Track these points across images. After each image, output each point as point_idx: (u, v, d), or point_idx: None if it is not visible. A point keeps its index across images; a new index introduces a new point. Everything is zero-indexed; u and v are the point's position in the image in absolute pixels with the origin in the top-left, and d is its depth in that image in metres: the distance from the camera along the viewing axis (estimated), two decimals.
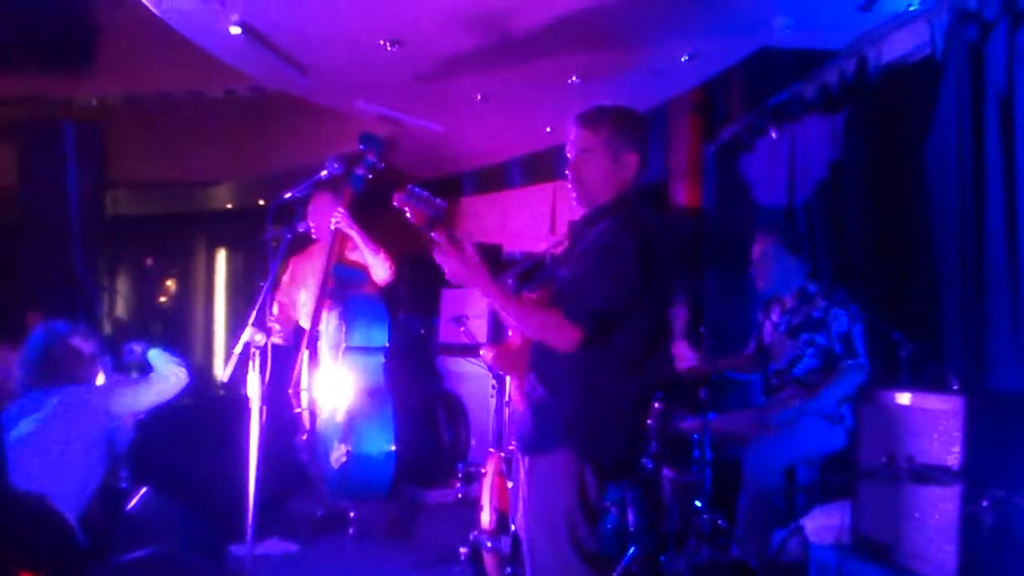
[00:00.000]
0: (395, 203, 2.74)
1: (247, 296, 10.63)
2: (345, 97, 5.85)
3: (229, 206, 10.58)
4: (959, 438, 2.61)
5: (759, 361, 4.44)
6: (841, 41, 4.73)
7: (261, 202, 10.31)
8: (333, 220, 4.63)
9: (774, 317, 4.40)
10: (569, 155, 2.82)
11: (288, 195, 3.36)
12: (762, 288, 4.42)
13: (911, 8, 4.17)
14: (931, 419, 2.76)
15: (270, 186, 9.74)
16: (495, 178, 8.67)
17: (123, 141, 7.76)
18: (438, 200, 2.74)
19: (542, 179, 8.07)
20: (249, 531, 3.13)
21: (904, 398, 2.91)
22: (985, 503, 2.54)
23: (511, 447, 4.29)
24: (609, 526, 4.04)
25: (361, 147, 4.01)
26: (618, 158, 2.76)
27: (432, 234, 2.75)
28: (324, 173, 3.44)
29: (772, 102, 5.45)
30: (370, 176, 4.15)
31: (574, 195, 2.84)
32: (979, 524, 2.54)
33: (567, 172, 2.83)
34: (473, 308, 6.81)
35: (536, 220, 7.98)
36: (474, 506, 5.90)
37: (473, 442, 6.82)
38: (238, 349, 3.08)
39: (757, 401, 4.56)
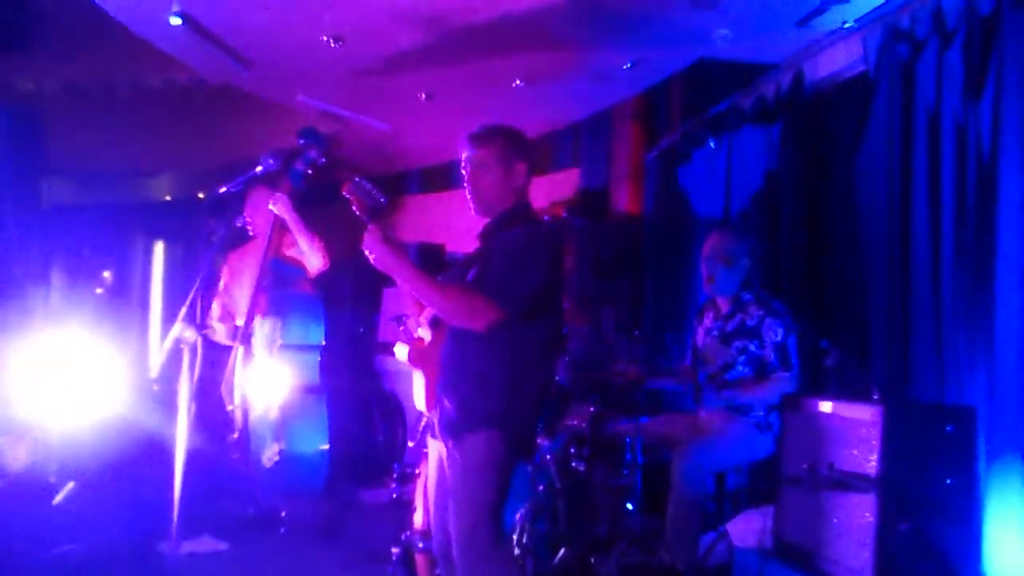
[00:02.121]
0: (343, 192, 2.95)
1: (185, 290, 10.47)
2: (288, 91, 5.81)
3: (168, 198, 10.43)
4: (877, 446, 2.68)
5: (694, 368, 4.49)
6: (779, 55, 4.82)
7: (201, 195, 10.19)
8: (271, 204, 4.55)
9: (707, 322, 4.46)
10: (465, 171, 3.07)
11: (222, 190, 3.32)
12: (707, 285, 4.45)
13: (846, 25, 4.26)
14: (851, 427, 2.83)
15: (211, 178, 9.62)
16: (441, 177, 8.67)
17: (61, 129, 7.60)
18: (381, 195, 2.96)
19: None
20: (175, 528, 3.08)
21: (826, 406, 2.98)
22: (900, 511, 2.60)
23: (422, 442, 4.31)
24: (540, 527, 4.07)
25: (301, 142, 3.99)
26: (510, 168, 3.01)
27: (370, 225, 2.94)
28: (259, 169, 3.41)
29: (710, 112, 5.54)
30: (310, 171, 4.12)
31: (474, 207, 3.08)
32: (894, 531, 2.61)
33: (466, 187, 3.06)
34: (412, 308, 6.81)
35: (481, 221, 7.99)
36: (409, 506, 5.90)
37: (411, 443, 6.81)
38: (167, 345, 3.04)
39: (688, 405, 4.62)
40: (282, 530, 5.00)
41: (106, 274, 11.07)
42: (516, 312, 2.83)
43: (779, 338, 4.13)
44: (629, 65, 5.03)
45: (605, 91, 5.63)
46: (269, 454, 4.83)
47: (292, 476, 4.91)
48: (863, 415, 2.79)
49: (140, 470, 5.47)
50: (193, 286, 3.11)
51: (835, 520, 2.84)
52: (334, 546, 5.19)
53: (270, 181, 4.44)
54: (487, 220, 3.10)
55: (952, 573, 2.68)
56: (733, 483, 4.34)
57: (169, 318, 11.34)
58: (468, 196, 3.07)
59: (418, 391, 3.21)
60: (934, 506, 2.66)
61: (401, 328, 6.70)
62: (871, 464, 2.71)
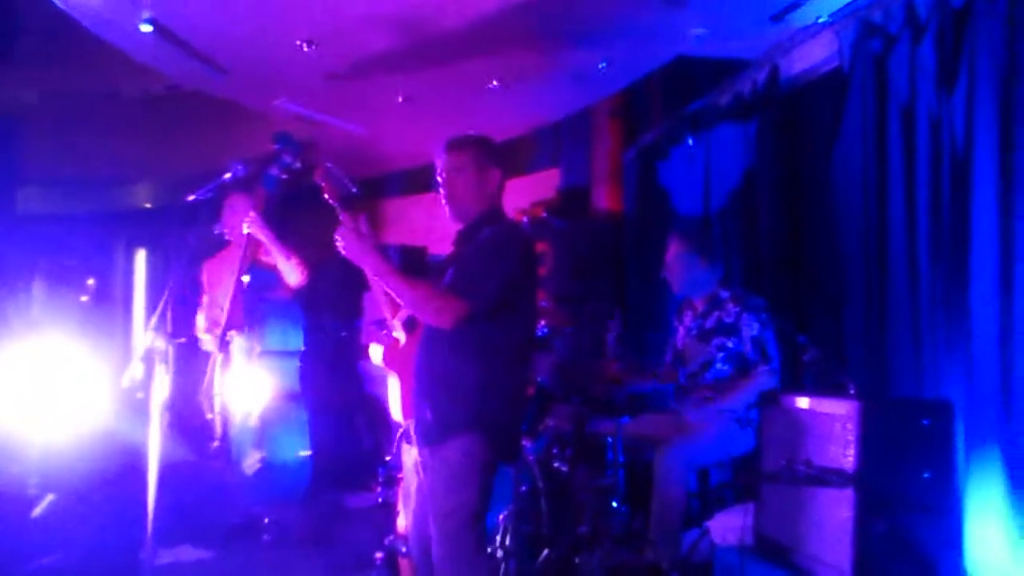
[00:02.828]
0: (315, 177, 3.09)
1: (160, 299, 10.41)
2: (263, 96, 5.78)
3: (148, 205, 10.38)
4: (854, 442, 2.68)
5: (675, 368, 4.50)
6: (755, 51, 4.82)
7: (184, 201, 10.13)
8: (244, 224, 4.55)
9: (687, 321, 4.47)
10: (440, 179, 3.13)
11: (191, 198, 3.30)
12: (676, 290, 4.48)
13: (820, 20, 4.26)
14: (828, 423, 2.83)
15: (190, 185, 9.56)
16: (420, 180, 8.62)
17: (38, 138, 7.56)
18: (352, 185, 3.11)
19: None
20: (150, 537, 3.06)
21: (803, 402, 2.97)
22: (878, 506, 2.60)
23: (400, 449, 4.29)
24: (523, 528, 4.05)
25: (276, 146, 3.96)
26: (483, 173, 3.07)
27: (341, 214, 3.09)
28: (228, 175, 3.39)
29: (688, 109, 5.54)
30: (284, 176, 4.09)
31: (449, 212, 3.13)
32: (873, 526, 2.61)
33: (441, 192, 3.12)
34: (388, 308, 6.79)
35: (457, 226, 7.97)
36: (394, 510, 5.88)
37: (387, 457, 6.78)
38: (139, 354, 3.02)
39: (670, 404, 4.62)
40: (266, 537, 4.97)
41: (90, 282, 11.01)
42: (481, 307, 2.86)
43: (755, 332, 4.14)
44: (604, 65, 5.02)
45: (583, 91, 5.63)
46: (250, 462, 4.80)
47: (274, 483, 4.88)
48: (839, 410, 2.78)
49: (122, 481, 5.42)
50: (163, 295, 3.09)
51: (814, 516, 2.83)
52: (319, 553, 5.16)
53: (247, 187, 4.42)
54: (462, 226, 3.13)
55: (932, 566, 2.68)
56: (716, 479, 4.34)
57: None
58: (443, 202, 3.11)
59: (393, 397, 3.20)
60: (912, 501, 2.66)
61: (384, 332, 6.71)
62: (848, 460, 2.71)
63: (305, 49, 4.72)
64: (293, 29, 4.54)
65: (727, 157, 5.14)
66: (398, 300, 3.05)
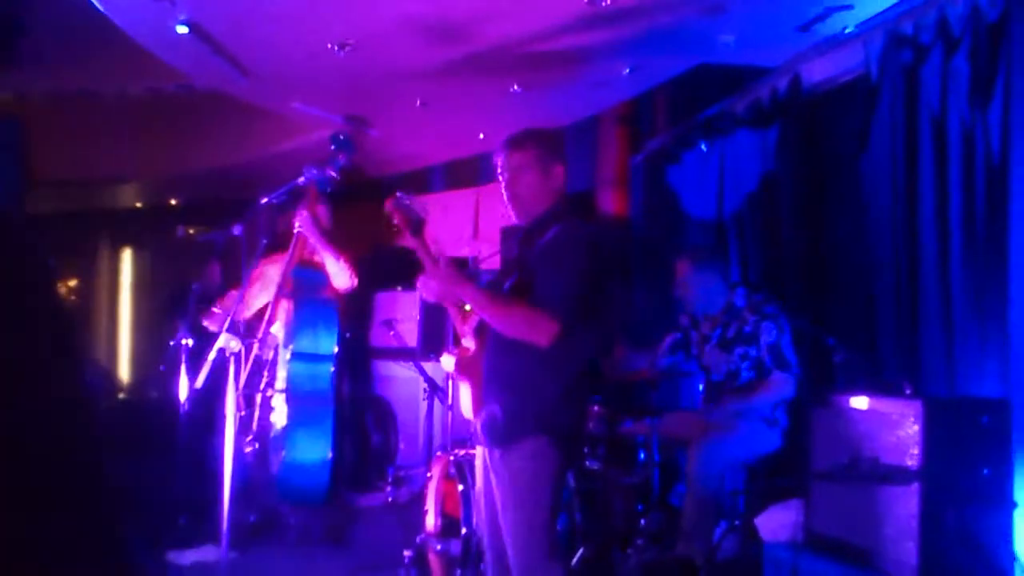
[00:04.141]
0: (386, 208, 3.03)
1: (154, 296, 10.35)
2: (283, 98, 5.78)
3: (138, 204, 10.29)
4: (918, 440, 2.77)
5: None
6: (776, 60, 4.91)
7: (173, 201, 10.06)
8: (296, 223, 4.53)
9: (705, 330, 4.55)
10: (502, 178, 3.06)
11: (264, 200, 3.31)
12: (691, 309, 4.59)
13: (847, 31, 4.36)
14: (888, 422, 2.92)
15: (181, 186, 9.52)
16: (416, 182, 8.66)
17: (37, 137, 7.47)
18: (421, 208, 3.03)
19: (465, 184, 8.13)
20: (224, 536, 3.08)
21: (860, 402, 3.06)
22: (943, 502, 2.70)
23: (460, 451, 4.33)
24: (559, 526, 4.11)
25: (332, 147, 3.94)
26: (547, 171, 3.01)
27: (410, 241, 3.01)
28: (302, 180, 3.40)
29: (703, 115, 5.62)
30: (337, 177, 4.06)
31: (513, 212, 3.07)
32: (939, 522, 2.71)
33: (504, 193, 3.07)
34: (402, 312, 6.82)
35: (459, 224, 8.03)
36: (405, 509, 5.92)
37: (402, 445, 6.82)
38: (212, 355, 3.03)
39: (697, 404, 4.72)
40: (292, 536, 4.99)
41: (73, 283, 10.90)
42: (571, 320, 2.80)
43: (772, 339, 4.25)
44: (628, 71, 5.09)
45: (600, 96, 5.71)
46: (276, 461, 4.81)
47: (298, 484, 4.89)
48: (901, 410, 2.87)
49: (122, 479, 5.38)
50: (233, 296, 3.10)
51: (875, 512, 2.92)
52: (340, 552, 5.20)
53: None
54: (525, 225, 3.07)
55: (990, 560, 2.79)
56: (744, 478, 4.44)
57: (138, 325, 11.17)
58: (506, 201, 3.06)
59: (465, 401, 3.20)
60: (973, 497, 2.76)
61: (392, 332, 6.74)
62: (911, 457, 2.80)
63: (337, 52, 4.74)
64: (328, 31, 4.56)
65: (744, 162, 5.23)
66: (493, 326, 2.95)
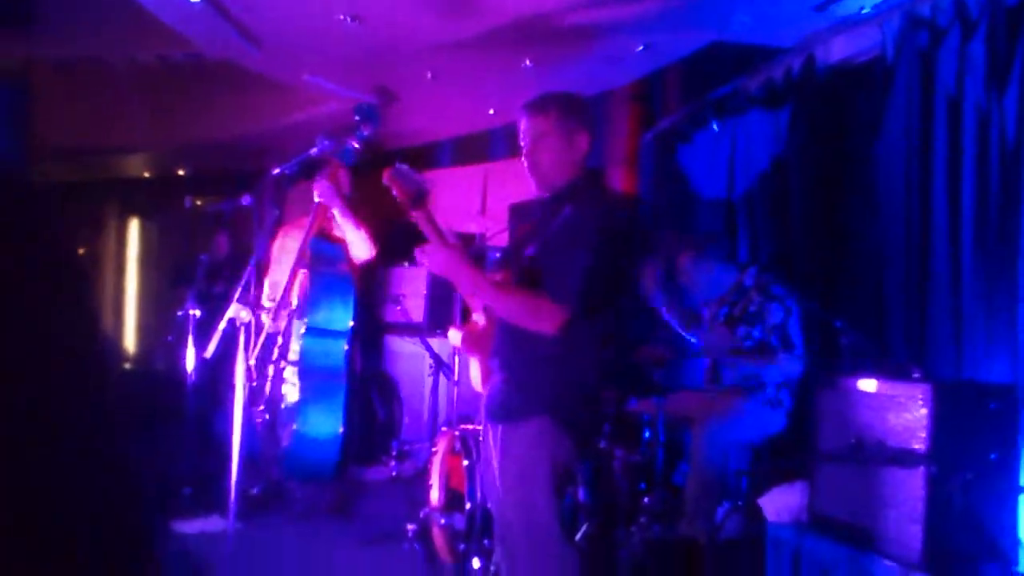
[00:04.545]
0: (384, 181, 2.85)
1: (160, 267, 10.37)
2: (294, 70, 5.75)
3: (146, 174, 10.27)
4: (926, 423, 2.77)
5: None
6: (790, 39, 4.88)
7: (181, 171, 10.05)
8: (315, 193, 4.48)
9: (713, 308, 4.57)
10: (523, 144, 2.90)
11: (276, 171, 3.28)
12: (695, 297, 4.60)
13: (864, 11, 4.33)
14: (896, 405, 2.92)
15: (189, 155, 9.49)
16: (423, 157, 8.62)
17: (44, 105, 7.46)
18: (423, 179, 2.85)
19: (473, 160, 8.10)
20: (231, 507, 3.09)
21: (869, 384, 3.06)
22: (950, 485, 2.70)
23: (466, 426, 4.35)
24: (564, 502, 4.12)
25: (356, 118, 3.84)
26: (570, 139, 2.85)
27: (412, 214, 2.85)
28: (314, 151, 3.36)
29: (714, 95, 5.59)
30: (361, 148, 3.96)
31: (533, 180, 2.92)
32: (944, 504, 2.72)
33: (524, 160, 2.90)
34: (409, 287, 6.82)
35: (466, 201, 8.00)
36: (410, 484, 5.95)
37: (406, 420, 6.84)
38: (222, 325, 3.03)
39: (700, 384, 4.72)
40: (297, 509, 5.02)
41: (80, 252, 10.90)
42: (579, 308, 2.69)
43: (778, 320, 4.26)
44: (642, 48, 5.06)
45: (613, 72, 5.66)
46: (287, 433, 4.82)
47: (307, 458, 4.88)
48: (909, 393, 2.87)
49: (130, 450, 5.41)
50: (247, 267, 3.08)
51: (880, 494, 2.93)
52: (345, 524, 5.23)
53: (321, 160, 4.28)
54: (543, 196, 2.95)
55: (994, 544, 2.80)
56: (748, 458, 4.45)
57: (146, 297, 11.17)
58: (527, 170, 2.91)
59: (475, 374, 3.18)
60: (979, 481, 2.76)
61: (398, 308, 6.74)
62: (918, 440, 2.80)
63: (348, 23, 4.70)
64: (340, 2, 4.52)
65: (755, 142, 5.21)
66: (496, 313, 2.87)
